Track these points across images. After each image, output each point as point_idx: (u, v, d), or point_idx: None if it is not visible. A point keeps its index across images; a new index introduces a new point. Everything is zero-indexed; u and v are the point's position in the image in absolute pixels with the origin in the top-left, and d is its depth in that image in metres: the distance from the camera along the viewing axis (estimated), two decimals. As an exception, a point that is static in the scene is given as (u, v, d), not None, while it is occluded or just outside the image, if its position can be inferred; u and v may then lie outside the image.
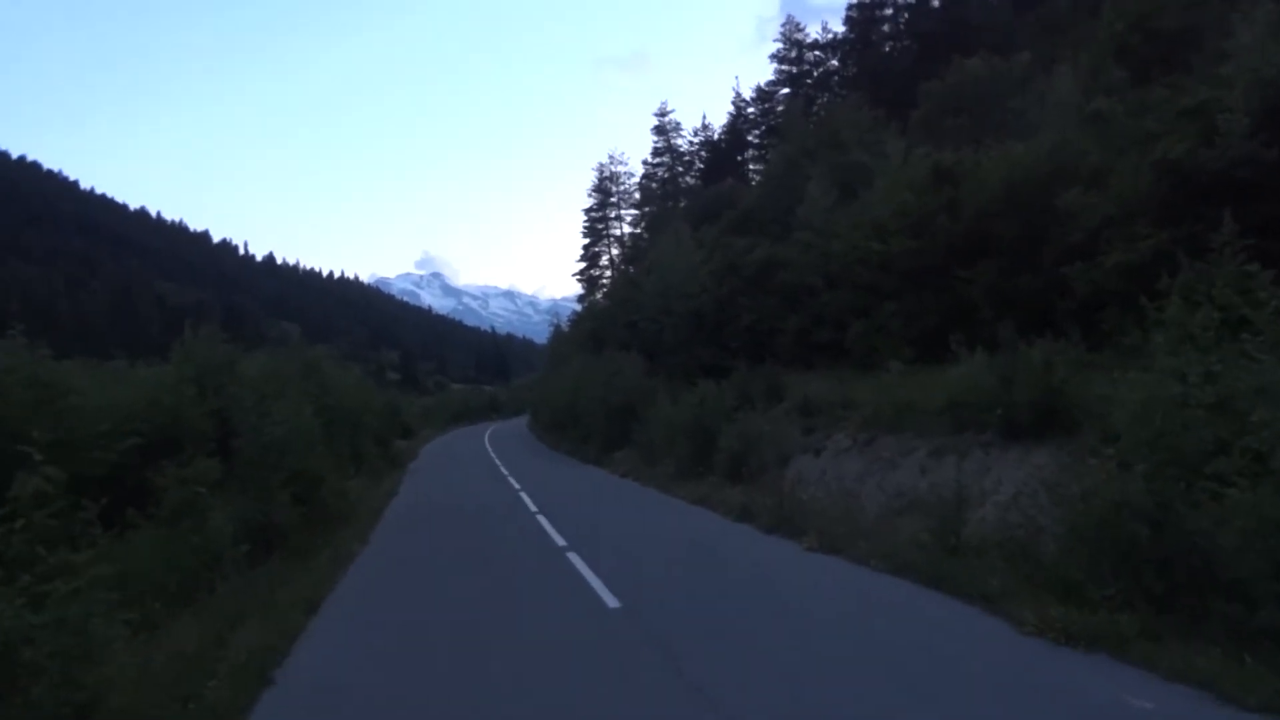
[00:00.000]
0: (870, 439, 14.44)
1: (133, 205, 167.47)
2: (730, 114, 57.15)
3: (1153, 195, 12.56)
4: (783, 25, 53.05)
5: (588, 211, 64.41)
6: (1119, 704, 4.91)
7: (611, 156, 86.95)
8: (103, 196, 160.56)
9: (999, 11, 39.30)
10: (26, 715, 4.35)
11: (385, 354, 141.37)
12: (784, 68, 53.10)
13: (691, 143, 61.94)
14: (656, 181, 61.69)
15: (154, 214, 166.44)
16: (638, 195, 62.96)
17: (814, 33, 55.08)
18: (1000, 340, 12.25)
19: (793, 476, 15.17)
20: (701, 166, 59.61)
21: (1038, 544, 7.59)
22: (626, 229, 63.27)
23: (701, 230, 33.06)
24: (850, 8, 48.94)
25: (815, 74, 52.64)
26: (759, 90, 55.20)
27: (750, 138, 56.46)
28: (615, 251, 63.21)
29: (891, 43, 48.81)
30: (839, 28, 51.23)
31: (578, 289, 66.36)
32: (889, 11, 48.99)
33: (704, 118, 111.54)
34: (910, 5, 47.72)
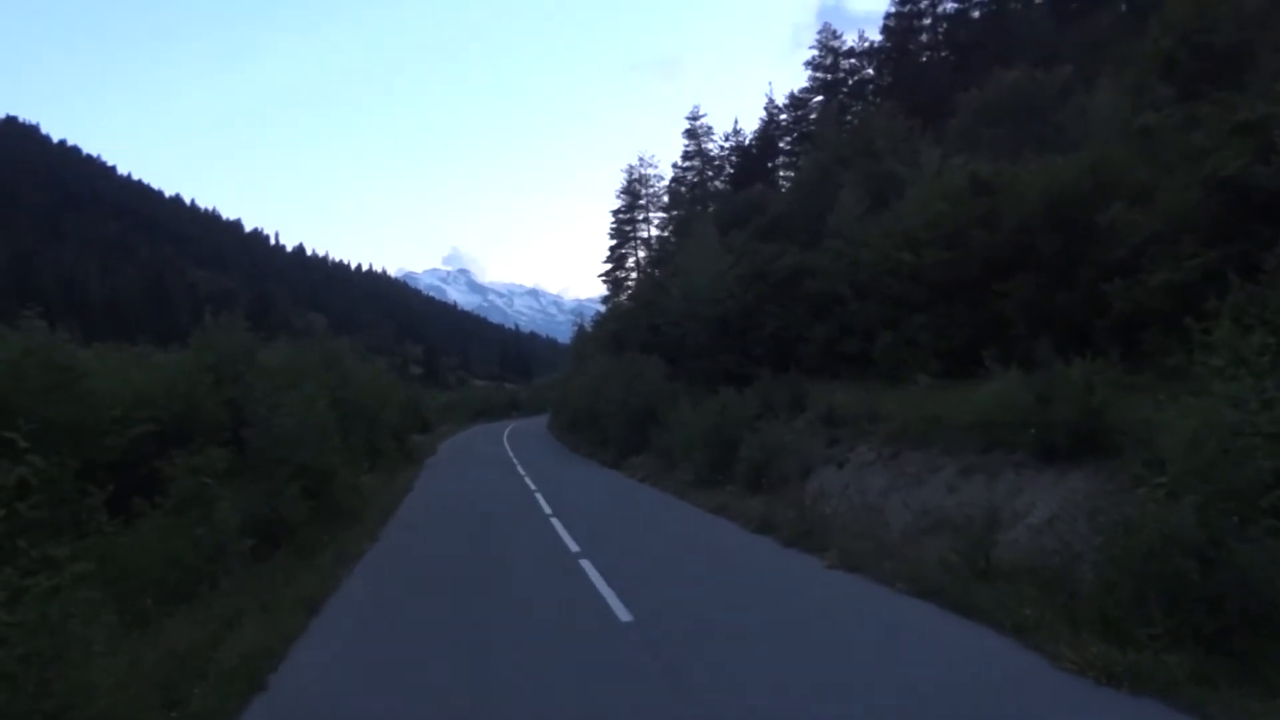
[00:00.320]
0: (895, 453, 14.04)
1: (168, 192, 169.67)
2: (762, 120, 56.69)
3: (1202, 212, 12.10)
4: (819, 33, 52.72)
5: (615, 213, 64.15)
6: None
7: (641, 159, 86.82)
8: (139, 183, 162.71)
9: (1040, 25, 38.68)
10: None
11: (410, 348, 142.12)
12: (819, 75, 52.63)
13: (722, 148, 61.46)
14: (686, 185, 61.27)
15: (188, 201, 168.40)
16: (666, 198, 62.61)
17: (850, 40, 54.42)
18: (1036, 357, 11.84)
19: (814, 489, 14.80)
20: (731, 171, 59.11)
21: (1074, 573, 7.17)
22: (654, 232, 63.00)
23: (729, 235, 32.70)
24: (888, 17, 48.48)
25: (850, 82, 52.13)
26: (792, 97, 54.73)
27: (782, 144, 55.99)
28: (642, 254, 62.96)
29: (929, 53, 48.26)
30: (875, 36, 50.79)
31: (602, 290, 66.19)
32: (927, 21, 48.46)
33: (735, 123, 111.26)
34: (949, 15, 47.17)
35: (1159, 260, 12.35)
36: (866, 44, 51.68)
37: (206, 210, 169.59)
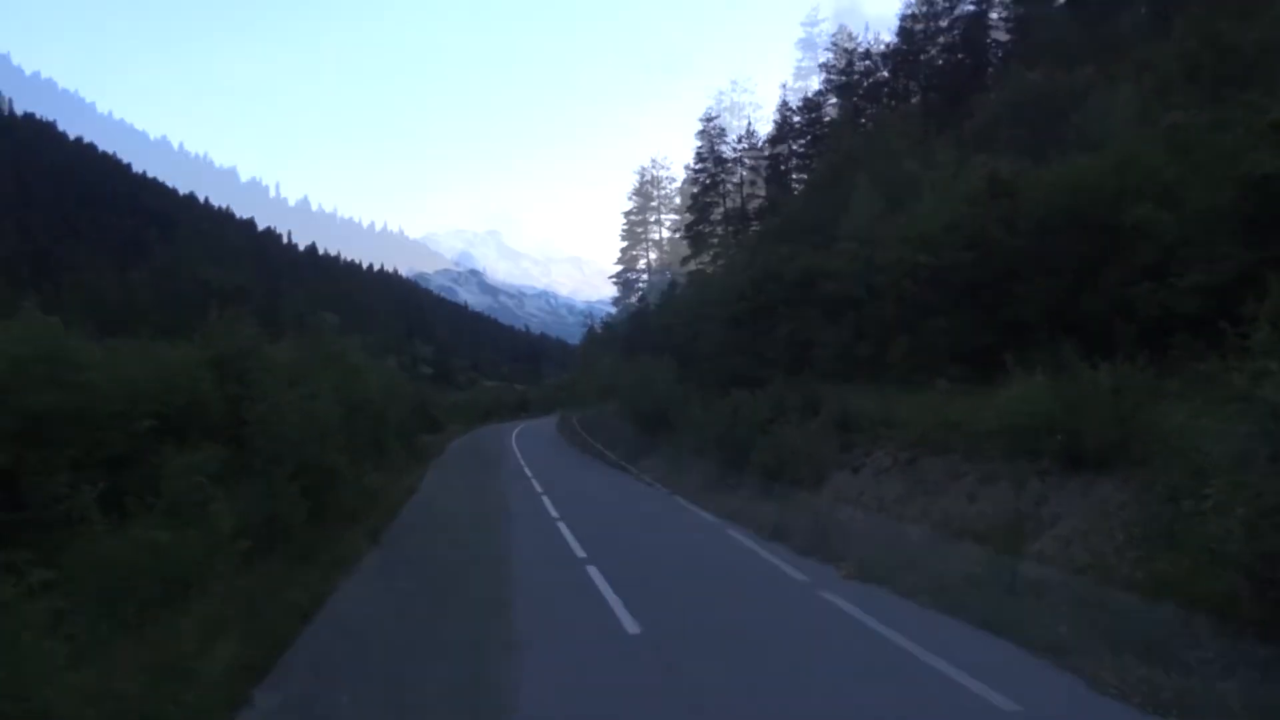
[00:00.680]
0: (912, 459, 13.65)
1: (182, 190, 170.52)
2: (775, 121, 56.22)
3: (1235, 213, 11.68)
4: (833, 35, 52.14)
5: (627, 215, 63.87)
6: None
7: (654, 160, 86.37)
8: (154, 180, 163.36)
9: (1059, 27, 38.14)
10: None
11: (420, 347, 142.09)
12: (833, 77, 52.10)
13: (735, 149, 61.05)
14: (698, 186, 60.87)
15: (201, 199, 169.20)
16: (678, 200, 62.29)
17: (865, 40, 53.70)
18: (1059, 362, 11.42)
19: (829, 495, 14.43)
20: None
21: (1110, 588, 6.79)
22: (666, 234, 62.69)
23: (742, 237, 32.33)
24: (904, 18, 47.92)
25: (865, 84, 51.59)
26: (805, 99, 54.24)
27: (795, 146, 55.48)
28: (653, 256, 62.64)
29: (945, 55, 47.69)
30: (890, 38, 50.19)
31: (613, 292, 65.89)
32: (944, 24, 47.90)
33: (749, 124, 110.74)
34: (966, 17, 46.60)
35: (1190, 262, 11.93)
36: (882, 46, 51.14)
37: (220, 208, 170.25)
